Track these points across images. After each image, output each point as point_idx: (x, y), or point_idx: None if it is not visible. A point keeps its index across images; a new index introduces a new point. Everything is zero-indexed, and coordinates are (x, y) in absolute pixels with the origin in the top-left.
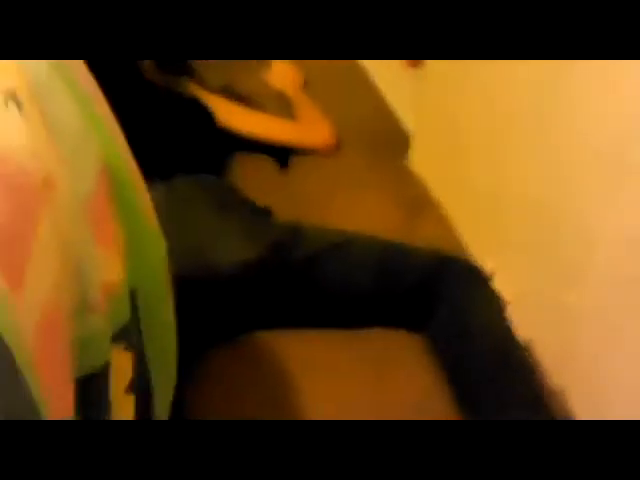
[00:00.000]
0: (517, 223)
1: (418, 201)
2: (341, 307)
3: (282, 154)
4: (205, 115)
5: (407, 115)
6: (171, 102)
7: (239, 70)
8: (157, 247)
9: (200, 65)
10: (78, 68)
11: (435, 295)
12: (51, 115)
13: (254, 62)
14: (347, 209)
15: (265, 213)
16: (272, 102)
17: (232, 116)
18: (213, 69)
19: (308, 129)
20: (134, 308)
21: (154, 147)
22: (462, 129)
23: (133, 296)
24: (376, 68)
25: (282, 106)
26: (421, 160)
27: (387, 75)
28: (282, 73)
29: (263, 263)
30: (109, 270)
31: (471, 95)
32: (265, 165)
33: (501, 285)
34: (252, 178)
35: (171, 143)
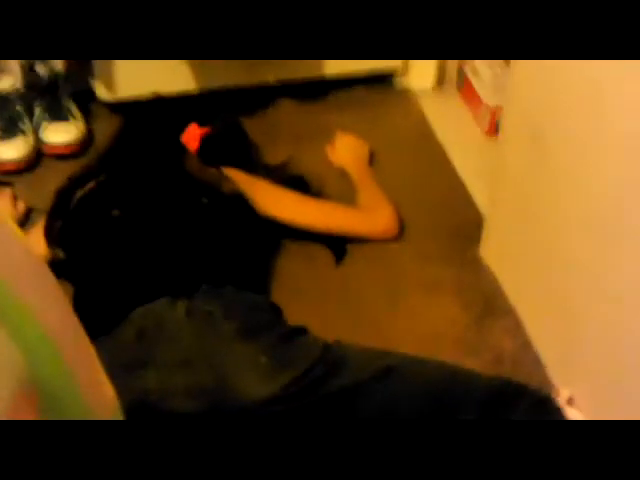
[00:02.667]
0: (602, 344)
1: (488, 304)
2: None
3: (338, 245)
4: (245, 213)
5: (481, 194)
6: (208, 205)
7: (302, 144)
8: None
9: (263, 139)
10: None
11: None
12: None
13: (319, 136)
14: (405, 313)
15: (298, 333)
16: (333, 180)
17: (281, 205)
18: (276, 143)
19: (368, 217)
20: None
21: (182, 256)
22: (546, 217)
23: None
24: (451, 138)
25: (343, 185)
26: (494, 249)
27: (463, 146)
28: (345, 148)
29: (292, 397)
30: None
31: (555, 177)
32: (317, 257)
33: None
34: (301, 273)
35: (203, 250)
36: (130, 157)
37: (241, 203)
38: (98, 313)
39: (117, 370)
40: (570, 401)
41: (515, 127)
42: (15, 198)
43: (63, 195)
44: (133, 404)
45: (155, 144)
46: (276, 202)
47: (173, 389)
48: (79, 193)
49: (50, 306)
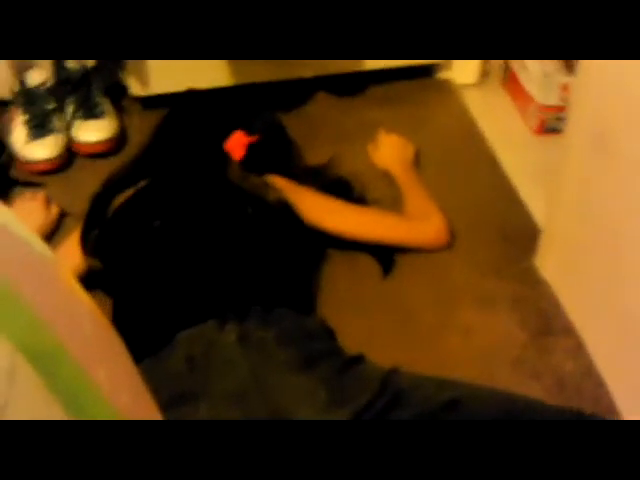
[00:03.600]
0: None
1: (547, 321)
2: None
3: (385, 255)
4: (292, 224)
5: (534, 199)
6: (254, 215)
7: (343, 143)
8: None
9: (303, 138)
10: None
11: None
12: None
13: (360, 133)
14: (460, 328)
15: (356, 362)
16: (376, 183)
17: (327, 215)
18: (316, 141)
19: (417, 226)
20: None
21: (229, 271)
22: (612, 228)
23: None
24: (498, 136)
25: (388, 188)
26: (553, 262)
27: (511, 145)
28: (389, 149)
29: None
30: None
31: (623, 185)
32: (364, 268)
33: None
34: (348, 285)
35: (250, 264)
36: (169, 161)
37: (288, 213)
38: (140, 332)
39: (167, 402)
40: None
41: (580, 130)
42: (48, 201)
43: (99, 201)
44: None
45: (196, 147)
46: (322, 211)
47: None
48: (117, 200)
49: (122, 384)
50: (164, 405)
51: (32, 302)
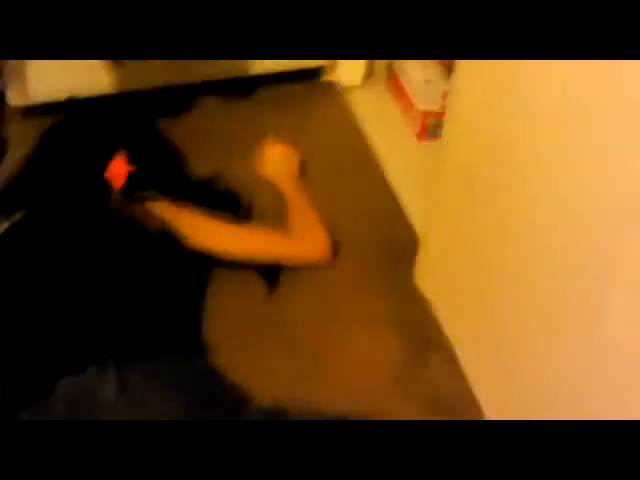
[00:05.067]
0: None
1: (424, 336)
2: None
3: (270, 273)
4: (174, 252)
5: (416, 209)
6: (134, 249)
7: (230, 156)
8: None
9: (189, 145)
10: None
11: None
12: None
13: (245, 148)
14: (342, 345)
15: (240, 405)
16: (263, 194)
17: (210, 236)
18: (202, 149)
19: (299, 243)
20: None
21: (110, 314)
22: (483, 244)
23: None
24: (382, 141)
25: (274, 198)
26: (429, 275)
27: (395, 151)
28: (275, 160)
29: None
30: None
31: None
32: (250, 287)
33: None
34: (233, 304)
35: (131, 307)
36: (46, 188)
37: (169, 241)
38: (19, 376)
39: None
40: None
41: (457, 142)
42: None
43: None
44: None
45: (75, 172)
46: (204, 233)
47: None
48: None
49: None
50: None
51: None
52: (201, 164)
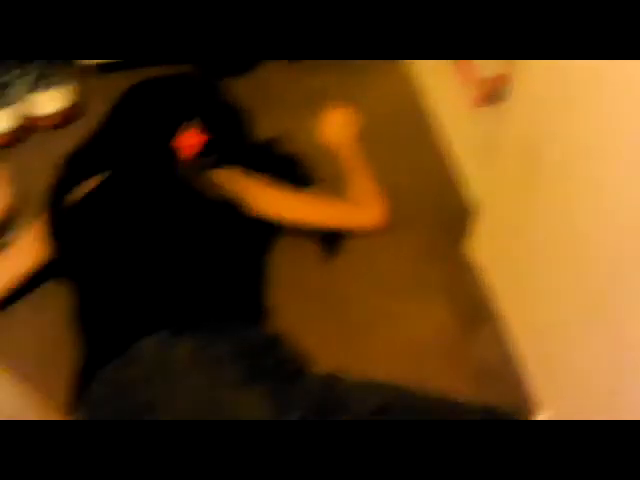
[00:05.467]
0: (588, 363)
1: (476, 309)
2: None
3: (329, 241)
4: (238, 221)
5: (476, 180)
6: (202, 218)
7: (291, 120)
8: None
9: (253, 108)
10: None
11: None
12: None
13: (306, 112)
14: (393, 313)
15: (299, 374)
16: (323, 159)
17: (272, 204)
18: (262, 119)
19: (357, 211)
20: None
21: (185, 280)
22: (539, 219)
23: None
24: (441, 107)
25: (333, 166)
26: (484, 247)
27: (453, 117)
28: (335, 126)
29: None
30: None
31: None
32: (307, 254)
33: None
34: (289, 271)
35: (203, 275)
36: (123, 153)
37: (232, 209)
38: (100, 333)
39: (128, 411)
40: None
41: (520, 112)
42: (8, 179)
43: (59, 190)
44: None
45: (148, 139)
46: (267, 201)
47: None
48: (78, 191)
49: None
50: (124, 415)
51: None
52: (261, 125)
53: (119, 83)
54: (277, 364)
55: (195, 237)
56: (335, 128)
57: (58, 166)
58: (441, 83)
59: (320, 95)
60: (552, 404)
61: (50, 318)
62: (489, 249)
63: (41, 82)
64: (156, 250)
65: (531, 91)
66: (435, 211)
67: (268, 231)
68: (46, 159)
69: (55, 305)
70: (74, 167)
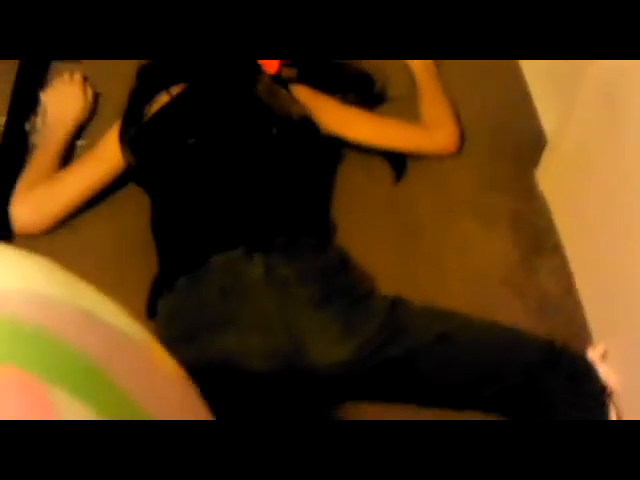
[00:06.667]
0: None
1: (539, 239)
2: (436, 398)
3: (399, 162)
4: (313, 139)
5: (548, 110)
6: (278, 136)
7: None
8: None
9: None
10: None
11: (533, 393)
12: None
13: None
14: (458, 240)
15: (367, 297)
16: (397, 78)
17: (344, 125)
18: None
19: (429, 134)
20: None
21: (257, 198)
22: (612, 155)
23: None
24: None
25: (407, 86)
26: (552, 179)
27: None
28: None
29: (359, 363)
30: None
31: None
32: (377, 173)
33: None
34: (359, 189)
35: (276, 193)
36: (203, 65)
37: (309, 128)
38: (176, 246)
39: (201, 329)
40: (604, 356)
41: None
42: (85, 83)
43: (137, 98)
44: (213, 362)
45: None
46: (341, 122)
47: (252, 350)
48: (154, 104)
49: None
50: (198, 330)
51: (127, 389)
52: None
53: None
54: (348, 286)
55: (269, 153)
56: None
57: (137, 72)
58: None
59: None
60: (607, 337)
61: (130, 223)
62: (557, 182)
63: None
64: (230, 166)
65: None
66: (506, 139)
67: (339, 150)
68: (123, 66)
69: (135, 210)
70: (152, 77)
